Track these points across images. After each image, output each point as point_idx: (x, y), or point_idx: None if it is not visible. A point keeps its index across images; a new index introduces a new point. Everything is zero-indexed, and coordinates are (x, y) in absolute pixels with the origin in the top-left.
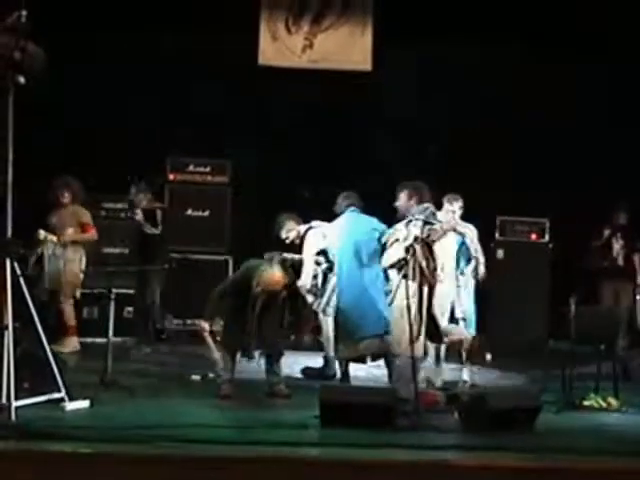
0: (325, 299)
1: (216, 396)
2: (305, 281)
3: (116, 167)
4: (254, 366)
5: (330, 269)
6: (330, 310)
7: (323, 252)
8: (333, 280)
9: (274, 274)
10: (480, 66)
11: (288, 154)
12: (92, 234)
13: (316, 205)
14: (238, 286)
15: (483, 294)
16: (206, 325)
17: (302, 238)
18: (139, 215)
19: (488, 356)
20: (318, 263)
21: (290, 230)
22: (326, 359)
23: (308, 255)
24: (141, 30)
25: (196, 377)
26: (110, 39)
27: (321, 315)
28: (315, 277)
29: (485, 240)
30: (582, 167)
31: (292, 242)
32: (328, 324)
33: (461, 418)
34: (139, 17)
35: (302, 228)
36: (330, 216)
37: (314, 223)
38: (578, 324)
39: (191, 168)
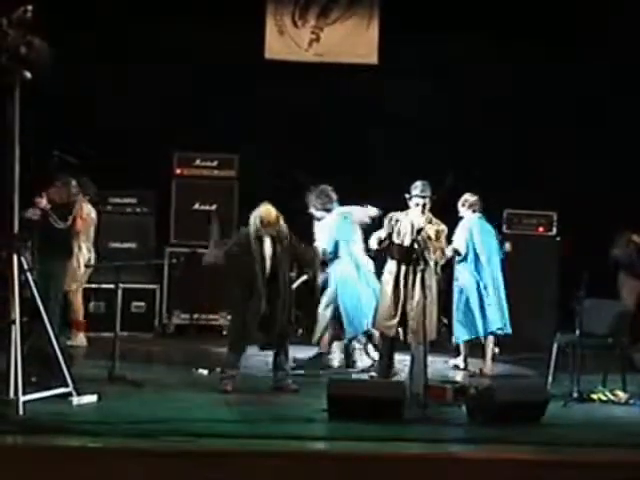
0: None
1: (220, 391)
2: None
3: (123, 162)
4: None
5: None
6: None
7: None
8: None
9: (269, 208)
10: (486, 60)
11: (295, 148)
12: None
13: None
14: (241, 245)
15: None
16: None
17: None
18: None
19: (496, 350)
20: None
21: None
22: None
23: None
24: (146, 25)
25: (203, 371)
26: (115, 34)
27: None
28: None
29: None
30: (588, 160)
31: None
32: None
33: (469, 411)
34: (144, 12)
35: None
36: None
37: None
38: (586, 317)
39: (198, 162)
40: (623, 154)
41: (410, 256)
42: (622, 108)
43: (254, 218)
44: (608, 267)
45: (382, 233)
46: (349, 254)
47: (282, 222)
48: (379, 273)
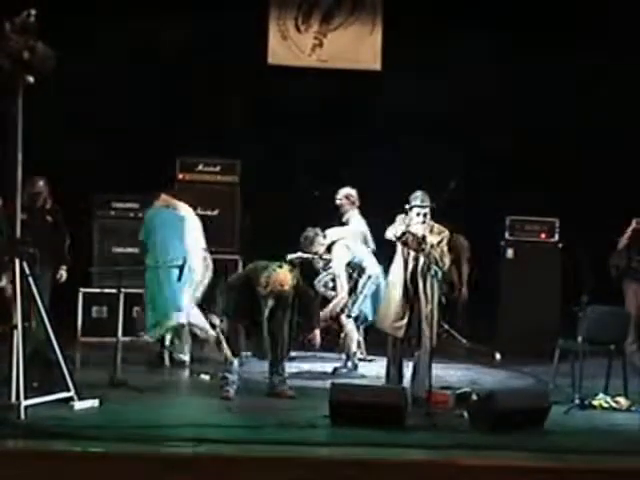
0: (359, 301)
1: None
2: (343, 294)
3: (125, 167)
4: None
5: (358, 274)
6: (355, 310)
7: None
8: (364, 283)
9: (281, 274)
10: (488, 63)
11: (298, 153)
12: None
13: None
14: (245, 284)
15: (493, 293)
16: (217, 320)
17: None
18: None
19: (498, 356)
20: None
21: (321, 244)
22: (347, 356)
23: (340, 268)
24: (148, 27)
25: (205, 377)
26: (116, 35)
27: (344, 317)
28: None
29: (495, 239)
30: (592, 166)
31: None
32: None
33: (471, 417)
34: (145, 14)
35: (326, 242)
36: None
37: (330, 233)
38: (588, 324)
39: (200, 168)
40: (627, 159)
41: (422, 249)
42: (625, 110)
43: (263, 282)
44: (610, 277)
45: (398, 227)
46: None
47: (293, 279)
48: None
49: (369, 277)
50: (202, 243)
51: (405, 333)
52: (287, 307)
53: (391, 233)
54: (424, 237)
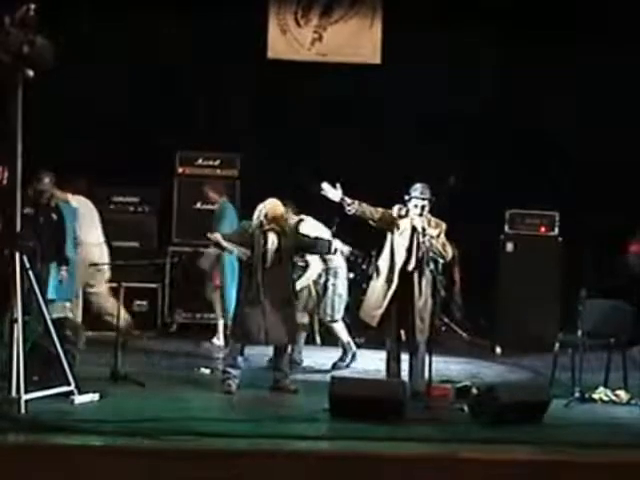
0: (329, 304)
1: (222, 391)
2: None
3: (125, 161)
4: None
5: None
6: (338, 316)
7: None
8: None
9: (276, 204)
10: (488, 59)
11: (297, 147)
12: None
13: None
14: (244, 234)
15: (492, 287)
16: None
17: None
18: None
19: (498, 349)
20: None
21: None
22: (344, 350)
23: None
24: (148, 23)
25: (205, 371)
26: (116, 32)
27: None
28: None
29: (495, 233)
30: (592, 160)
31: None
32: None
33: (471, 411)
34: (144, 10)
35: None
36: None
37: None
38: (587, 317)
39: (200, 162)
40: (626, 153)
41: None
42: (625, 107)
43: (259, 212)
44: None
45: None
46: None
47: (289, 217)
48: None
49: (336, 274)
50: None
51: (381, 324)
52: (288, 256)
53: (352, 208)
54: (424, 229)
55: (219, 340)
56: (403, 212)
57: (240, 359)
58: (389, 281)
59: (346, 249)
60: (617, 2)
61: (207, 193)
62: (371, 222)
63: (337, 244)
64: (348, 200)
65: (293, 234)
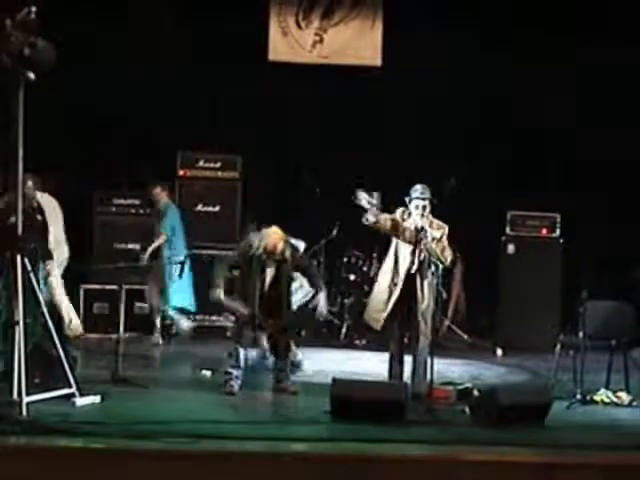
0: None
1: (223, 392)
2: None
3: (126, 163)
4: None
5: None
6: None
7: None
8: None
9: (273, 231)
10: (488, 60)
11: (298, 149)
12: None
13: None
14: (244, 256)
15: (493, 289)
16: (220, 292)
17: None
18: None
19: (499, 351)
20: None
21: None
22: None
23: None
24: (149, 24)
25: (207, 372)
26: (116, 31)
27: None
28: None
29: (496, 235)
30: (594, 161)
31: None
32: None
33: (472, 413)
34: (147, 10)
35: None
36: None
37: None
38: (589, 319)
39: (201, 164)
40: (628, 153)
41: (419, 242)
42: (626, 107)
43: (259, 242)
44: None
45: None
46: None
47: (288, 248)
48: None
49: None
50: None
51: (384, 327)
52: (287, 277)
53: (372, 217)
54: (423, 228)
55: (156, 337)
56: (406, 215)
57: (242, 360)
58: (393, 284)
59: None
60: (617, 1)
61: (152, 195)
62: (380, 230)
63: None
64: (376, 212)
65: (291, 261)
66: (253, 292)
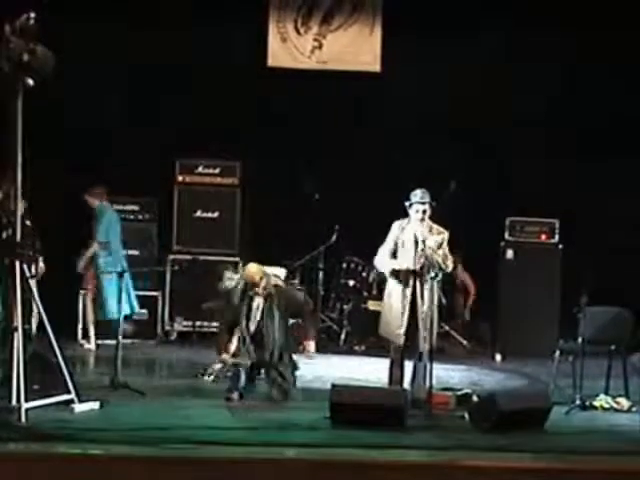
0: None
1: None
2: None
3: (125, 169)
4: None
5: None
6: None
7: None
8: None
9: (250, 266)
10: (488, 65)
11: (298, 155)
12: None
13: (325, 207)
14: (231, 308)
15: (493, 294)
16: (227, 357)
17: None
18: None
19: (498, 357)
20: None
21: (230, 279)
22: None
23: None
24: (148, 31)
25: (208, 379)
26: (115, 38)
27: None
28: None
29: (495, 240)
30: (593, 167)
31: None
32: None
33: (471, 418)
34: (147, 17)
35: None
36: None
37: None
38: (588, 324)
39: (200, 170)
40: (626, 159)
41: (414, 275)
42: (625, 111)
43: (241, 281)
44: None
45: (389, 245)
46: None
47: (268, 278)
48: None
49: None
50: None
51: (405, 339)
52: (275, 310)
53: (380, 265)
54: (424, 241)
55: (90, 344)
56: (405, 224)
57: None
58: (403, 296)
59: None
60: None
61: (86, 199)
62: None
63: None
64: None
65: (277, 294)
66: (243, 330)
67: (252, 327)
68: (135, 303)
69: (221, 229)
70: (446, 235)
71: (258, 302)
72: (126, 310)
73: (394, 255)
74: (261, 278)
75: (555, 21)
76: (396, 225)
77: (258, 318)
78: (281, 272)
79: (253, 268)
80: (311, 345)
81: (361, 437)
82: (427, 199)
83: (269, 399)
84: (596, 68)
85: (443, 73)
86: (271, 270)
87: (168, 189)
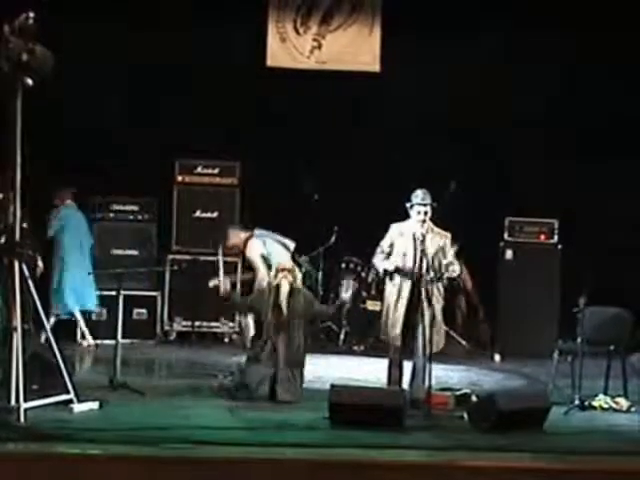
0: None
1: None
2: (262, 281)
3: (125, 170)
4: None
5: None
6: None
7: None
8: None
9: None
10: (488, 65)
11: (297, 155)
12: None
13: (324, 207)
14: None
15: (492, 295)
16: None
17: (244, 245)
18: None
19: (497, 357)
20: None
21: (234, 237)
22: None
23: (256, 257)
24: (146, 31)
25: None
26: (114, 38)
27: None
28: None
29: (494, 240)
30: (592, 166)
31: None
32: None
33: (470, 418)
34: (146, 17)
35: (243, 235)
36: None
37: (256, 231)
38: (587, 325)
39: (200, 170)
40: (625, 160)
41: (414, 277)
42: (625, 111)
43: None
44: None
45: (385, 249)
46: None
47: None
48: None
49: None
50: None
51: (403, 340)
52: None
53: (380, 264)
54: (423, 241)
55: (86, 339)
56: (404, 228)
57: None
58: (400, 296)
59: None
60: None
61: (54, 199)
62: None
63: None
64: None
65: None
66: (270, 324)
67: (280, 316)
68: (88, 300)
69: (220, 229)
70: (449, 237)
71: (285, 288)
72: (71, 306)
73: (388, 257)
74: (292, 267)
75: (555, 21)
76: (393, 228)
77: (285, 305)
78: (291, 245)
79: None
80: None
81: (360, 437)
82: (428, 200)
83: (272, 399)
84: (596, 68)
85: (443, 73)
86: (281, 238)
87: (167, 189)
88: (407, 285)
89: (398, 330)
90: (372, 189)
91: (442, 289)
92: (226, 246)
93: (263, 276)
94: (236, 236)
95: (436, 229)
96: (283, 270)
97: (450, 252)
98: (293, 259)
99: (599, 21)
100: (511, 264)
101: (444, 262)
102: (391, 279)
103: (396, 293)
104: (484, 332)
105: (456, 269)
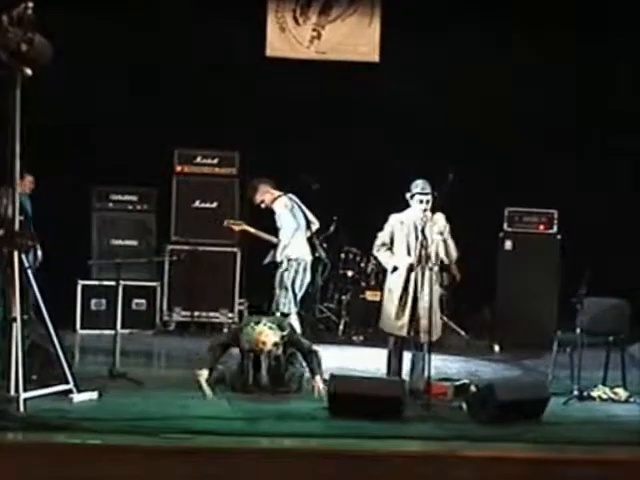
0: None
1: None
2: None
3: (124, 160)
4: None
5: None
6: (292, 308)
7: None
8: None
9: (259, 332)
10: (486, 59)
11: (296, 145)
12: None
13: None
14: (235, 341)
15: (491, 285)
16: (205, 372)
17: (273, 201)
18: None
19: (496, 348)
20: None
21: (264, 193)
22: None
23: (286, 214)
24: (146, 20)
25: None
26: (113, 27)
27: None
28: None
29: (494, 231)
30: (592, 159)
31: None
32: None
33: (469, 409)
34: (145, 7)
35: (276, 192)
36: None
37: (290, 194)
38: (586, 315)
39: (199, 160)
40: (624, 152)
41: (415, 267)
42: (622, 106)
43: (247, 343)
44: None
45: (384, 239)
46: None
47: (276, 336)
48: None
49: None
50: None
51: (408, 330)
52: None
53: (386, 260)
54: (423, 231)
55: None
56: (404, 218)
57: None
58: (405, 287)
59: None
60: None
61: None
62: None
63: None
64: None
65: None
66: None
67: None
68: None
69: (219, 219)
70: (448, 226)
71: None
72: None
73: (390, 249)
74: (269, 336)
75: (555, 21)
76: (393, 218)
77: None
78: (315, 224)
79: (263, 332)
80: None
81: (359, 427)
82: (429, 190)
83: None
84: (596, 68)
85: (442, 63)
86: (309, 214)
87: (166, 179)
88: (411, 276)
89: (405, 320)
90: (371, 179)
91: (442, 278)
92: (253, 200)
93: (286, 233)
94: (267, 192)
95: (434, 217)
96: (263, 344)
97: (448, 236)
98: (310, 240)
99: (599, 21)
100: (510, 254)
101: (442, 249)
102: (397, 269)
103: (402, 283)
104: (486, 317)
105: (452, 253)
